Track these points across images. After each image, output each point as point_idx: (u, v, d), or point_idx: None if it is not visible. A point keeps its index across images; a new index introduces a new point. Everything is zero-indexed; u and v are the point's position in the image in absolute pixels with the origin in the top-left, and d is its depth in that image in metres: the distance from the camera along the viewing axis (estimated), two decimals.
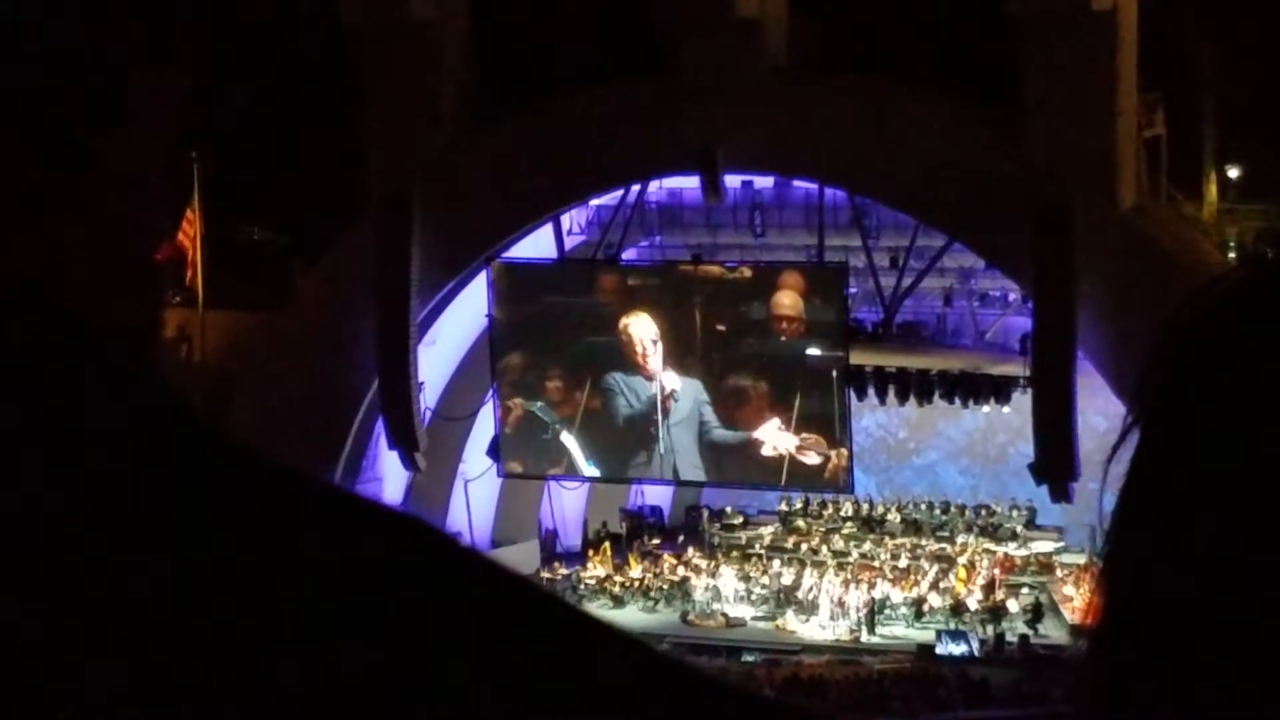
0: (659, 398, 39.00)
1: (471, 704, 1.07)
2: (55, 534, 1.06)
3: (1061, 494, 34.53)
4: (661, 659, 1.13)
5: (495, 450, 40.70)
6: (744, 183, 38.92)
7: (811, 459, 38.24)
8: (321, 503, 1.13)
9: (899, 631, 36.61)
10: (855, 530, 40.39)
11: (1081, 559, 36.85)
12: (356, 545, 1.11)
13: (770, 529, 41.17)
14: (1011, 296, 38.44)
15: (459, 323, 40.54)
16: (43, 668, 1.05)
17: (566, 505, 43.34)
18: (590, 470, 40.15)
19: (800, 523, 40.95)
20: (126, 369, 1.13)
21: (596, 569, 39.90)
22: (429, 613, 1.09)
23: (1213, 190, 39.59)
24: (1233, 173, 40.91)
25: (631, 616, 37.40)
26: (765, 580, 38.46)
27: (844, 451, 38.12)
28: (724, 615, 37.54)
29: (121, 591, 1.05)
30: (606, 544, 41.14)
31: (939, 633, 35.65)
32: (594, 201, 39.94)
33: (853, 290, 38.46)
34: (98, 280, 1.18)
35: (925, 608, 36.82)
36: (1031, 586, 37.58)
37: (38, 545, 1.06)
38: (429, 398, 40.06)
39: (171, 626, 1.05)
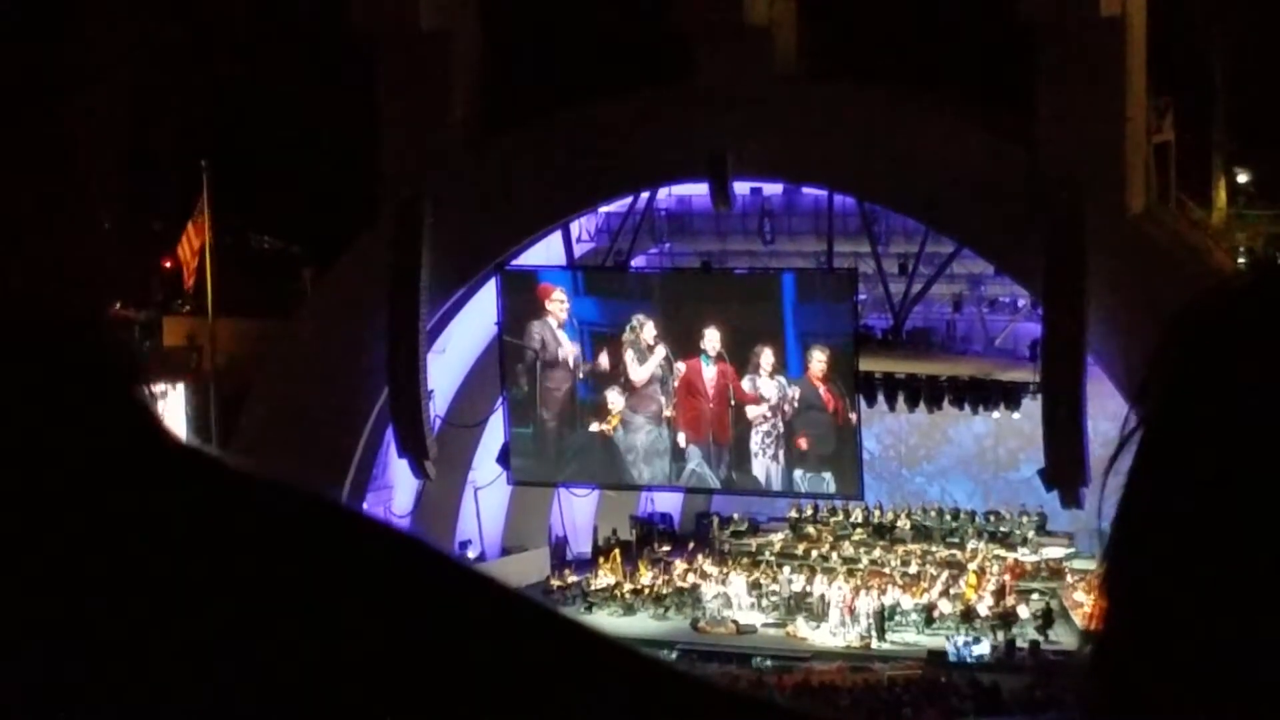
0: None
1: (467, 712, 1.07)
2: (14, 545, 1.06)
3: (1072, 500, 34.50)
4: (664, 667, 1.13)
5: (505, 458, 40.68)
6: (753, 189, 38.93)
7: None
8: (293, 511, 1.13)
9: (909, 638, 36.57)
10: (865, 537, 40.34)
11: (1092, 564, 36.69)
12: (335, 553, 1.11)
13: (780, 536, 41.13)
14: (1021, 302, 38.41)
15: (469, 330, 40.54)
16: (36, 671, 1.05)
17: (576, 512, 43.31)
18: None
19: (810, 529, 40.90)
20: (64, 362, 1.12)
21: (606, 576, 39.87)
22: (416, 623, 1.09)
23: (1222, 196, 39.52)
24: (1242, 178, 40.84)
25: (642, 623, 37.38)
26: (775, 587, 38.42)
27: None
28: (734, 622, 37.49)
29: (102, 602, 1.06)
30: (616, 551, 41.10)
31: (949, 639, 35.63)
32: (603, 209, 39.93)
33: (862, 297, 38.42)
34: (36, 273, 1.18)
35: (935, 614, 36.78)
36: (1042, 592, 37.53)
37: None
38: (439, 405, 40.05)
39: (151, 635, 1.06)
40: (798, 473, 38.91)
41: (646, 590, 39.11)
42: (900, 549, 39.62)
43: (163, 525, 1.08)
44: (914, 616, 36.92)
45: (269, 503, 1.12)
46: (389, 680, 1.07)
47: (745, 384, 38.63)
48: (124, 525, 1.08)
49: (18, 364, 1.09)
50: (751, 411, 38.70)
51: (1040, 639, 35.11)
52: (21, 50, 1.17)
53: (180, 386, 40.64)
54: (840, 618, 36.87)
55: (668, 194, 39.80)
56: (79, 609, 1.06)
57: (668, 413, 39.31)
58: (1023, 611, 36.25)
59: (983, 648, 35.23)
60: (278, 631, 1.07)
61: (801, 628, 37.10)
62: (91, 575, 1.07)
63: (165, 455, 1.11)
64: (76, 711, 1.06)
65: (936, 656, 35.12)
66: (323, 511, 1.13)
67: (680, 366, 38.94)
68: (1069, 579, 37.78)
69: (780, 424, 38.59)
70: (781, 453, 38.80)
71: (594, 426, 39.82)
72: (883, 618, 36.52)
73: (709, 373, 38.88)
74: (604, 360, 39.39)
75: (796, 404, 38.29)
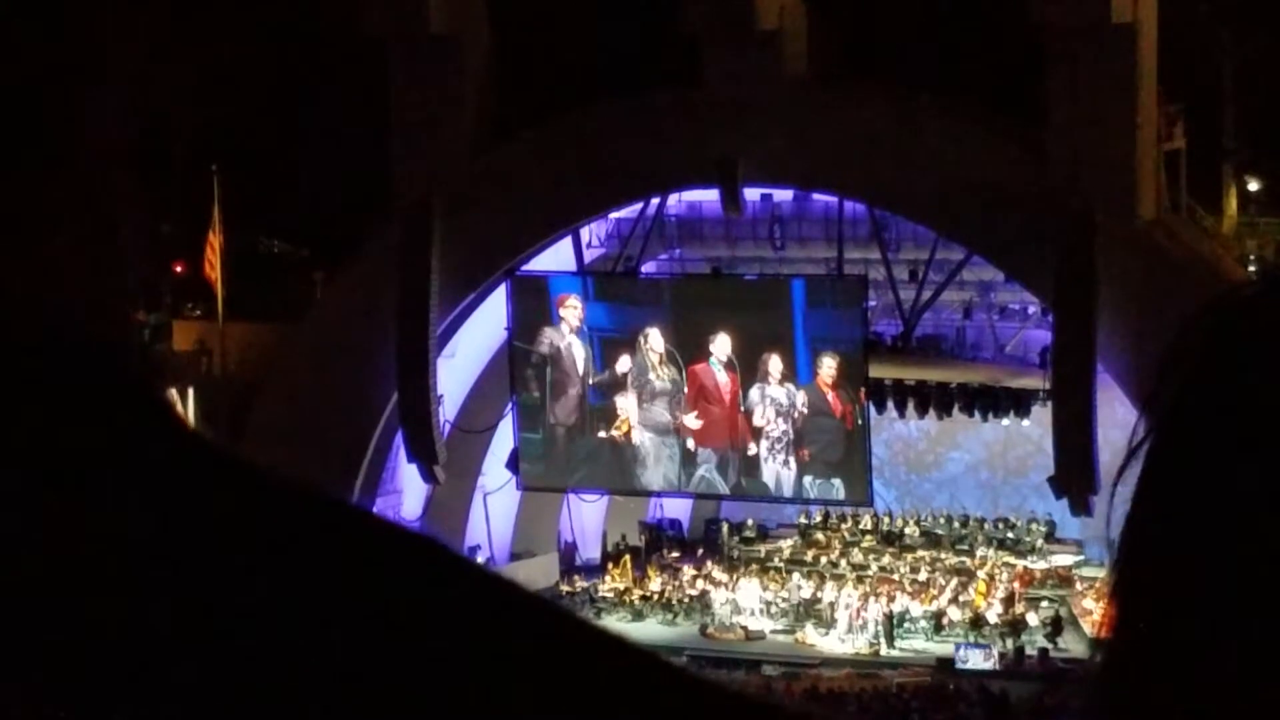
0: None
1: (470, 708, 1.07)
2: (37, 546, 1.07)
3: (1081, 507, 34.47)
4: (678, 671, 1.13)
5: (514, 463, 40.68)
6: (763, 195, 38.94)
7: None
8: (308, 509, 1.13)
9: (918, 645, 36.54)
10: (875, 543, 40.31)
11: (1101, 572, 36.64)
12: (343, 550, 1.11)
13: (789, 542, 41.11)
14: (1031, 309, 38.38)
15: (478, 335, 40.54)
16: (37, 670, 1.06)
17: (585, 518, 43.30)
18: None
19: (819, 536, 40.88)
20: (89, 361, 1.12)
21: (615, 582, 39.87)
22: (420, 618, 1.09)
23: (1233, 204, 39.50)
24: (1252, 186, 40.81)
25: (651, 629, 37.36)
26: (785, 593, 38.40)
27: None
28: (743, 628, 37.49)
29: (111, 599, 1.06)
30: (626, 557, 41.09)
31: (958, 646, 35.60)
32: (613, 214, 39.93)
33: (872, 303, 38.42)
34: (55, 274, 1.18)
35: (944, 621, 36.75)
36: (1051, 600, 37.49)
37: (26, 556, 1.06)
38: (448, 410, 40.07)
39: (161, 632, 1.06)
40: (807, 479, 38.91)
41: (655, 596, 39.11)
42: (909, 556, 39.60)
43: (183, 520, 1.09)
44: (923, 623, 36.90)
45: (285, 500, 1.12)
46: (397, 681, 1.07)
47: (754, 393, 38.63)
48: (144, 522, 1.08)
49: (35, 364, 1.09)
50: (758, 418, 38.71)
51: (1049, 646, 35.10)
52: (30, 52, 1.18)
53: (190, 390, 40.65)
54: (849, 624, 36.85)
55: (678, 200, 39.79)
56: (87, 605, 1.07)
57: (678, 419, 39.31)
58: (1032, 619, 36.22)
59: (984, 655, 35.11)
60: (284, 631, 1.07)
61: (810, 634, 37.08)
62: (109, 570, 1.07)
63: (188, 451, 1.12)
64: (75, 708, 1.06)
65: (945, 664, 35.09)
66: (336, 510, 1.13)
67: (691, 372, 38.96)
68: (1078, 586, 37.74)
69: (790, 430, 38.59)
70: (791, 459, 38.80)
71: (604, 432, 39.83)
72: (891, 624, 36.50)
73: (721, 378, 38.90)
74: (614, 366, 39.41)
75: (806, 410, 38.29)
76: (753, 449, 39.01)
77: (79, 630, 1.06)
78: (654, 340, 38.97)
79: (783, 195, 39.13)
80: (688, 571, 39.92)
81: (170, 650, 1.05)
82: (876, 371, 37.82)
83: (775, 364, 38.29)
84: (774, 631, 37.67)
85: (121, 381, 1.12)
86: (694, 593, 38.84)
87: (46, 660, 1.05)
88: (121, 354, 1.14)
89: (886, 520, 40.90)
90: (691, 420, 39.24)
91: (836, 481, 38.80)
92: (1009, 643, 35.58)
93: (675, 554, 41.69)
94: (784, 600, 38.23)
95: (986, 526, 40.35)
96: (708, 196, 38.46)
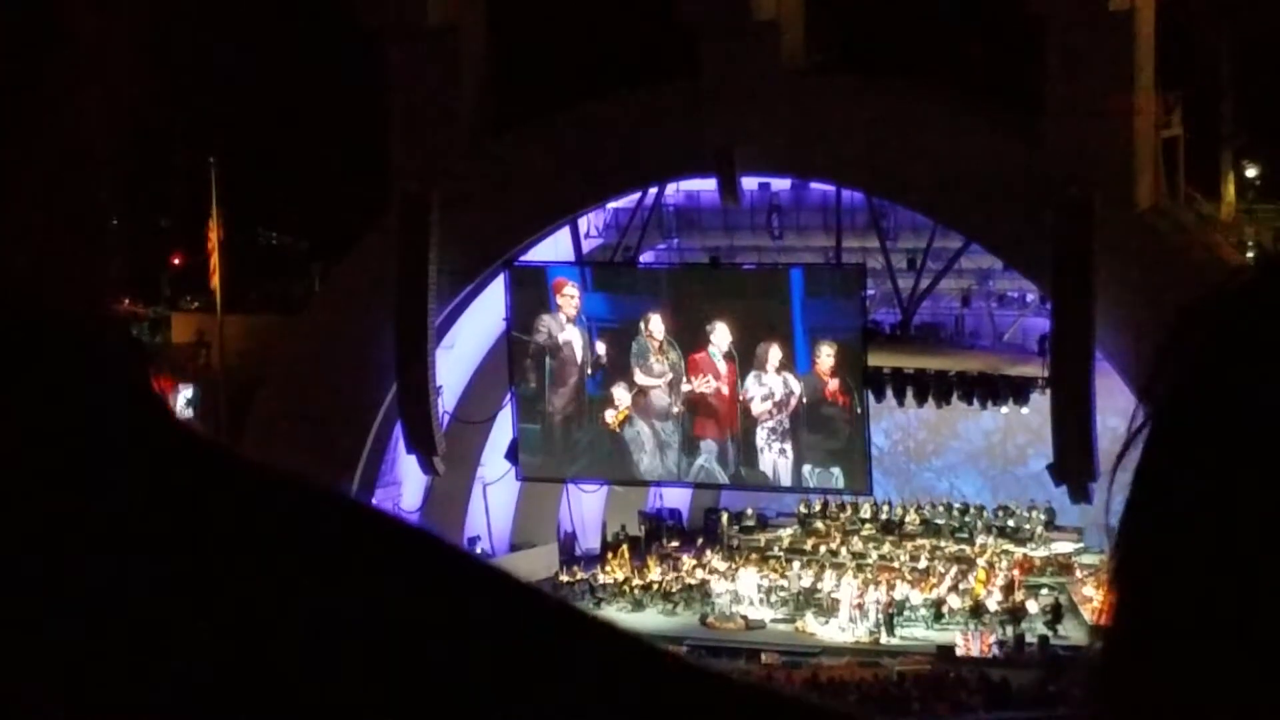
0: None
1: (454, 698, 1.07)
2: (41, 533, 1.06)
3: (1080, 495, 34.49)
4: (680, 661, 1.13)
5: (514, 453, 40.69)
6: (761, 185, 38.92)
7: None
8: (304, 504, 1.13)
9: (918, 633, 36.57)
10: (874, 532, 40.34)
11: (1101, 559, 36.70)
12: (332, 541, 1.11)
13: (789, 531, 41.13)
14: (1029, 297, 38.39)
15: (477, 326, 40.55)
16: (37, 668, 1.06)
17: (585, 508, 43.32)
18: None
19: (819, 525, 40.90)
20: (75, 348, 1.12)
21: (615, 572, 39.88)
22: (407, 610, 1.09)
23: (1230, 190, 39.49)
24: (1250, 172, 40.81)
25: (651, 619, 37.39)
26: (784, 582, 38.41)
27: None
28: (743, 617, 37.50)
29: (104, 592, 1.06)
30: (625, 547, 41.12)
31: (959, 634, 35.65)
32: (611, 204, 39.94)
33: (871, 292, 38.42)
34: (40, 267, 1.17)
35: (944, 609, 36.77)
36: (1051, 587, 37.52)
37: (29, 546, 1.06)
38: (447, 401, 40.07)
39: (155, 626, 1.06)
40: (806, 468, 38.92)
41: (655, 586, 39.12)
42: (909, 544, 39.62)
43: (172, 516, 1.09)
44: (923, 612, 36.92)
45: (279, 494, 1.12)
46: (393, 676, 1.07)
47: (749, 381, 38.64)
48: (132, 517, 1.08)
49: (22, 356, 1.09)
50: (757, 407, 38.72)
51: (1049, 634, 35.12)
52: (20, 41, 1.17)
53: (189, 383, 40.68)
54: (849, 613, 36.87)
55: (676, 189, 39.80)
56: (83, 600, 1.07)
57: (677, 408, 39.32)
58: (1031, 606, 36.25)
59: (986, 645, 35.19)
60: (279, 626, 1.07)
61: (810, 623, 37.10)
62: (104, 566, 1.07)
63: (176, 446, 1.12)
64: (72, 705, 1.06)
65: (945, 652, 35.11)
66: (334, 504, 1.13)
67: (692, 361, 38.97)
68: (1078, 574, 37.77)
69: (788, 419, 38.59)
70: (790, 448, 38.80)
71: (602, 422, 39.84)
72: (892, 613, 36.52)
73: (720, 368, 38.90)
74: (612, 356, 39.41)
75: (804, 399, 38.30)
76: (751, 438, 39.03)
77: (77, 628, 1.06)
78: (654, 329, 38.97)
79: (780, 184, 39.13)
80: (687, 561, 39.94)
81: (166, 644, 1.06)
82: (875, 360, 37.81)
83: (774, 353, 38.29)
84: (774, 620, 37.69)
85: (112, 374, 1.11)
86: (694, 582, 38.85)
87: (46, 658, 1.06)
88: (110, 347, 1.13)
89: (886, 509, 40.92)
90: (693, 410, 39.23)
91: (836, 470, 38.81)
92: (1009, 630, 35.60)
93: (675, 543, 41.72)
94: (784, 589, 38.25)
95: (986, 514, 40.38)
96: (706, 186, 38.45)
